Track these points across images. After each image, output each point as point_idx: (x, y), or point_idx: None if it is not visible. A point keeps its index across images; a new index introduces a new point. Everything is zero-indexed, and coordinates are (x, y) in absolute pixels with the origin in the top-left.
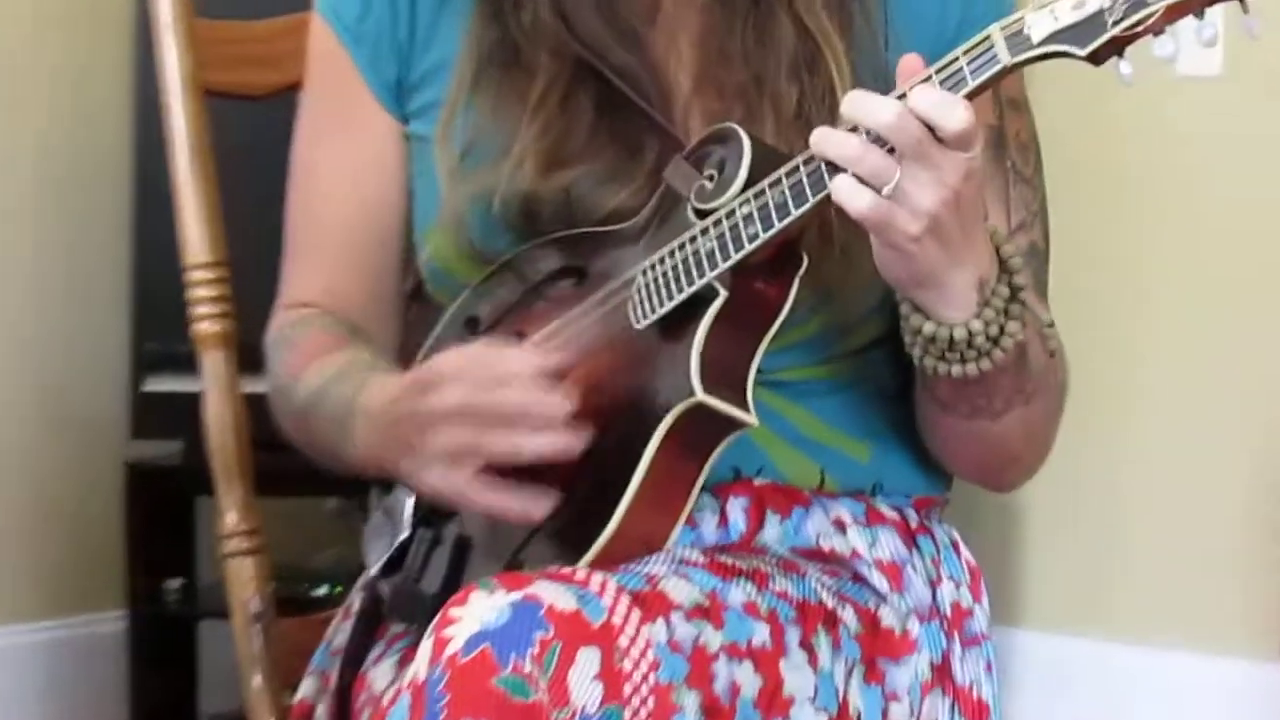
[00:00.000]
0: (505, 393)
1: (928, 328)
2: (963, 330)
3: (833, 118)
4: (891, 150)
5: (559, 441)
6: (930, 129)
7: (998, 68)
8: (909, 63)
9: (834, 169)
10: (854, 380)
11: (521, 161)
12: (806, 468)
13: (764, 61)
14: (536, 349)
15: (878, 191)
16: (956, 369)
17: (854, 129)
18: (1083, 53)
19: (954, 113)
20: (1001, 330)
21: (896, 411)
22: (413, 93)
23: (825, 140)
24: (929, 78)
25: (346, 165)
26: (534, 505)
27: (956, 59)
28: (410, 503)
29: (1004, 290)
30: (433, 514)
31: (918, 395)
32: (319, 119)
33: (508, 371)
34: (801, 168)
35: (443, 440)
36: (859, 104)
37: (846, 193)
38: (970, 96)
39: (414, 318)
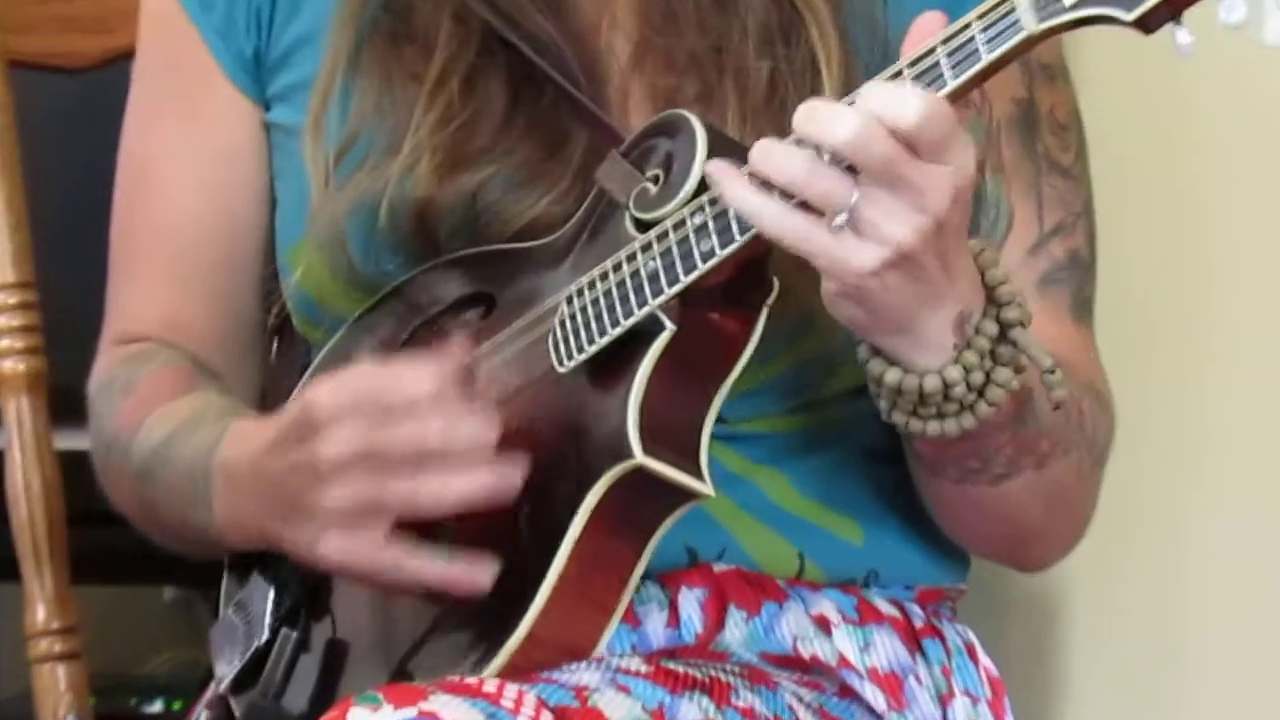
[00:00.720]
0: (409, 424)
1: (891, 376)
2: (936, 380)
3: (815, 95)
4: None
5: (488, 478)
6: (908, 143)
7: (1020, 36)
8: (925, 24)
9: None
10: (839, 435)
11: (415, 161)
12: (780, 550)
13: (726, 28)
14: (434, 361)
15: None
16: (933, 426)
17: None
18: (1129, 17)
19: (906, 107)
20: (987, 379)
21: (895, 477)
22: (275, 70)
23: (766, 157)
24: (930, 51)
25: (190, 161)
26: (478, 569)
27: (968, 25)
28: (271, 595)
29: (990, 328)
30: (299, 611)
31: (907, 454)
32: (154, 102)
33: (407, 396)
34: None
35: (337, 497)
36: (811, 117)
37: (770, 221)
38: (986, 75)
39: (277, 360)
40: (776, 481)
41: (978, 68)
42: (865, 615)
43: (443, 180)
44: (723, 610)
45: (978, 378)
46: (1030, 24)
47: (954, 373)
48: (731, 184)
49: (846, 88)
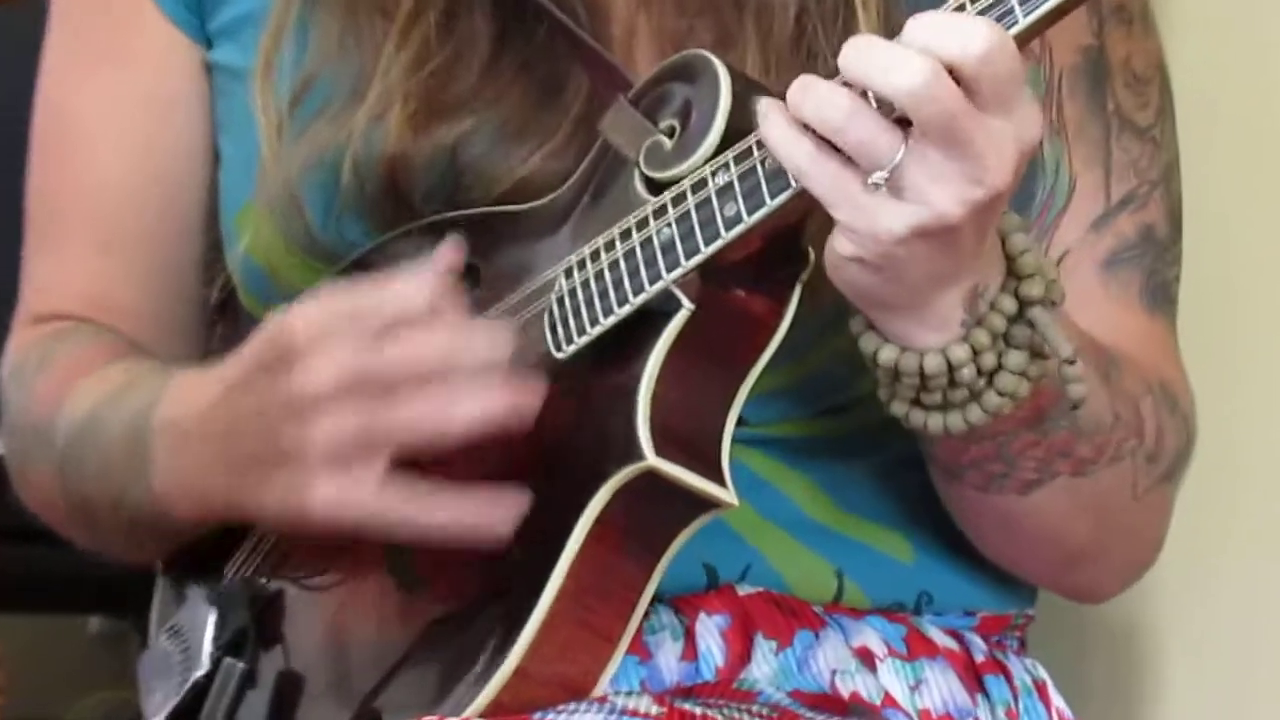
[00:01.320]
0: (408, 340)
1: (885, 354)
2: (938, 359)
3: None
4: (901, 122)
5: (500, 397)
6: (970, 88)
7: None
8: None
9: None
10: (881, 438)
11: (384, 109)
12: (815, 569)
13: None
14: (425, 275)
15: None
16: (935, 420)
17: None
18: None
19: (972, 41)
20: (999, 362)
21: None
22: (218, 2)
23: (805, 93)
24: None
25: (117, 112)
26: (499, 507)
27: None
28: (213, 618)
29: (1007, 304)
30: (245, 637)
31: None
32: (74, 43)
33: (399, 309)
34: None
35: (326, 432)
36: (865, 55)
37: (798, 161)
38: (1060, 14)
39: (220, 343)
40: (809, 489)
41: (1052, 3)
42: (916, 648)
43: (417, 132)
44: (748, 640)
45: (988, 360)
46: None
47: (959, 352)
48: (771, 118)
49: (886, 29)
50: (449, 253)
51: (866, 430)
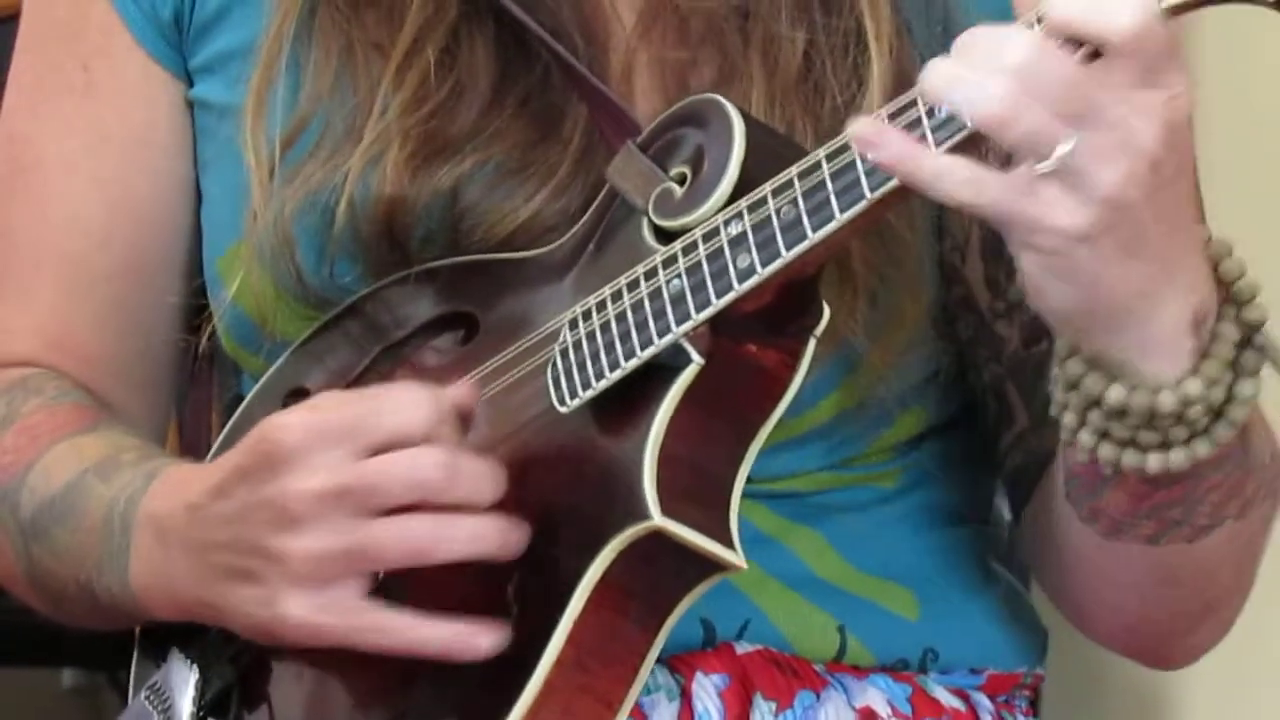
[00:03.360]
0: (401, 460)
1: (1114, 394)
2: (1172, 397)
3: (858, 77)
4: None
5: (490, 530)
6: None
7: None
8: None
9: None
10: (895, 493)
11: (381, 150)
12: (817, 625)
13: None
14: (424, 391)
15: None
16: (1154, 460)
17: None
18: None
19: (1114, 14)
20: (1229, 394)
21: (957, 539)
22: (201, 36)
23: (952, 80)
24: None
25: (84, 146)
26: (480, 631)
27: None
28: (194, 678)
29: (1230, 331)
30: (229, 698)
31: (1055, 513)
32: (42, 73)
33: (397, 426)
34: (825, 164)
35: (310, 543)
36: (975, 43)
37: (960, 178)
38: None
39: (196, 393)
40: (813, 543)
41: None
42: (921, 708)
43: (416, 174)
44: (747, 701)
45: (1218, 393)
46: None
47: (1194, 387)
48: (891, 141)
49: (897, 68)
50: (462, 392)
51: (876, 484)
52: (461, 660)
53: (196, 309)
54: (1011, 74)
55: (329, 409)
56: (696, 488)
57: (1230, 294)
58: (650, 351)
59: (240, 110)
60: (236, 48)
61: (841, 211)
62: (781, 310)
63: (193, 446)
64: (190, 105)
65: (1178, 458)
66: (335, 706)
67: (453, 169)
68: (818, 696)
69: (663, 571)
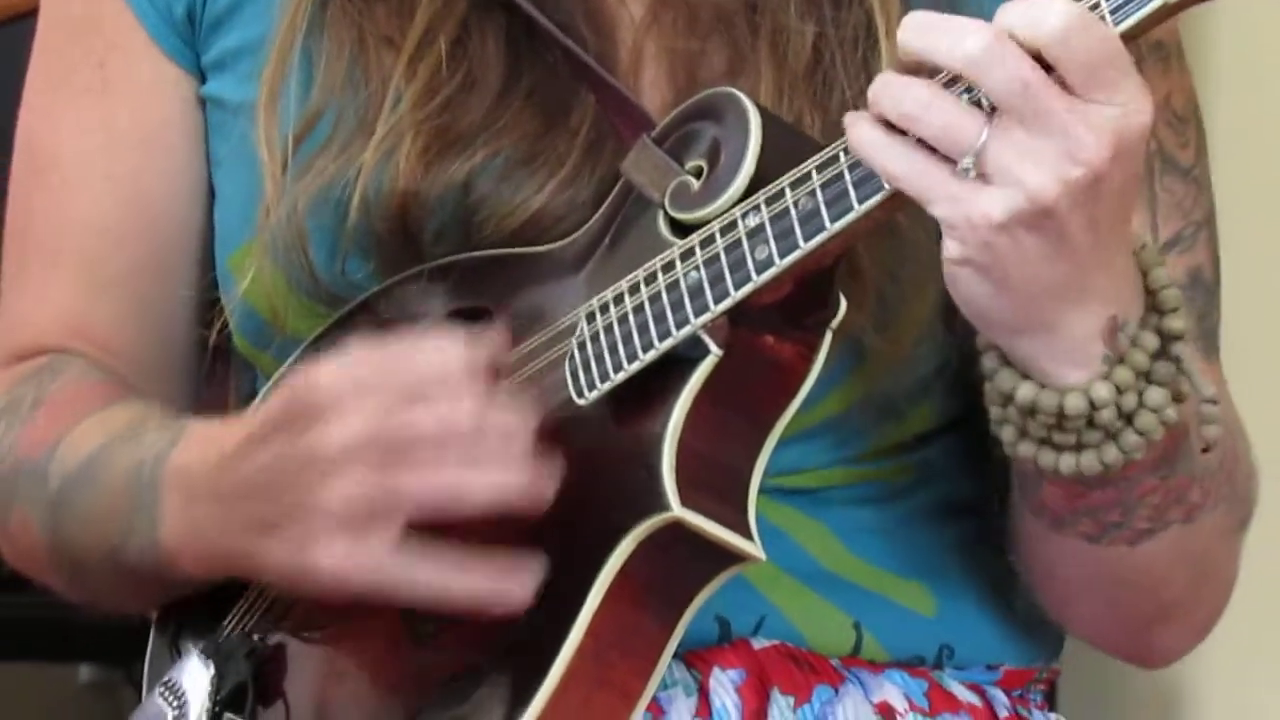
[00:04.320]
0: (433, 405)
1: (1024, 392)
2: (1080, 399)
3: (867, 70)
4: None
5: (521, 477)
6: (1055, 68)
7: (1153, 6)
8: None
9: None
10: (906, 488)
11: (394, 144)
12: (833, 621)
13: None
14: (456, 341)
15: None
16: (1068, 460)
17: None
18: None
19: (1048, 17)
20: (1140, 401)
21: (972, 532)
22: (213, 32)
23: (883, 88)
24: None
25: (102, 143)
26: (513, 576)
27: None
28: (211, 673)
29: (1149, 340)
30: (245, 693)
31: (1012, 504)
32: (59, 70)
33: (431, 373)
34: (843, 156)
35: (343, 492)
36: (929, 29)
37: (887, 160)
38: (1155, 20)
39: (209, 389)
40: (827, 539)
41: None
42: (938, 703)
43: (429, 168)
44: (764, 696)
45: (1130, 401)
46: None
47: (1103, 390)
48: (859, 125)
49: None
50: (493, 343)
51: (890, 478)
52: (493, 613)
53: (211, 305)
54: (964, 64)
55: (361, 361)
56: (715, 479)
57: (1155, 302)
58: (669, 343)
59: (252, 106)
60: (248, 44)
61: (860, 202)
62: (799, 303)
63: None
64: (202, 102)
65: (1089, 461)
66: (352, 700)
67: (465, 162)
68: (836, 692)
69: (681, 563)
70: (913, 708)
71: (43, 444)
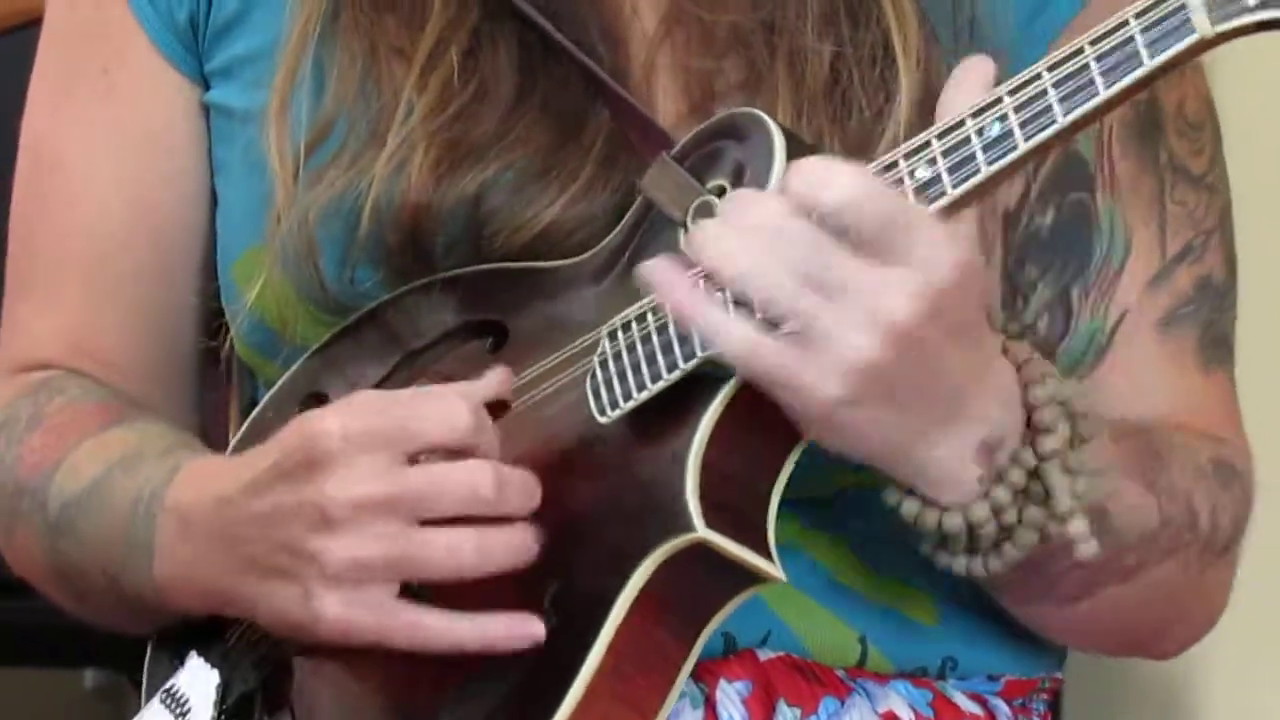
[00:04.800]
0: (445, 472)
1: (907, 508)
2: (957, 519)
3: (885, 89)
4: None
5: (526, 546)
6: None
7: (1191, 39)
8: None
9: None
10: None
11: (406, 156)
12: (839, 634)
13: (782, 1)
14: (465, 397)
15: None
16: (959, 563)
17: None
18: None
19: (829, 189)
20: (1019, 518)
21: None
22: (217, 39)
23: (703, 243)
24: (1077, 52)
25: (104, 150)
26: (522, 625)
27: (1125, 24)
28: (214, 680)
29: (1028, 458)
30: (251, 703)
31: None
32: (62, 77)
33: (439, 433)
34: None
35: (349, 547)
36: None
37: (736, 335)
38: (1142, 86)
39: (212, 399)
40: (833, 551)
41: (1137, 75)
42: (943, 713)
43: (441, 180)
44: (770, 708)
45: (1010, 517)
46: (1203, 25)
47: (980, 511)
48: (678, 285)
49: (925, 79)
50: (497, 379)
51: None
52: (504, 653)
53: (215, 312)
54: (752, 234)
55: (369, 413)
56: (737, 499)
57: (1031, 421)
58: (694, 363)
59: (258, 114)
60: (254, 52)
61: None
62: None
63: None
64: (205, 110)
65: (976, 566)
66: (364, 714)
67: (476, 175)
68: (842, 703)
69: (701, 582)
70: (918, 718)
71: (41, 466)
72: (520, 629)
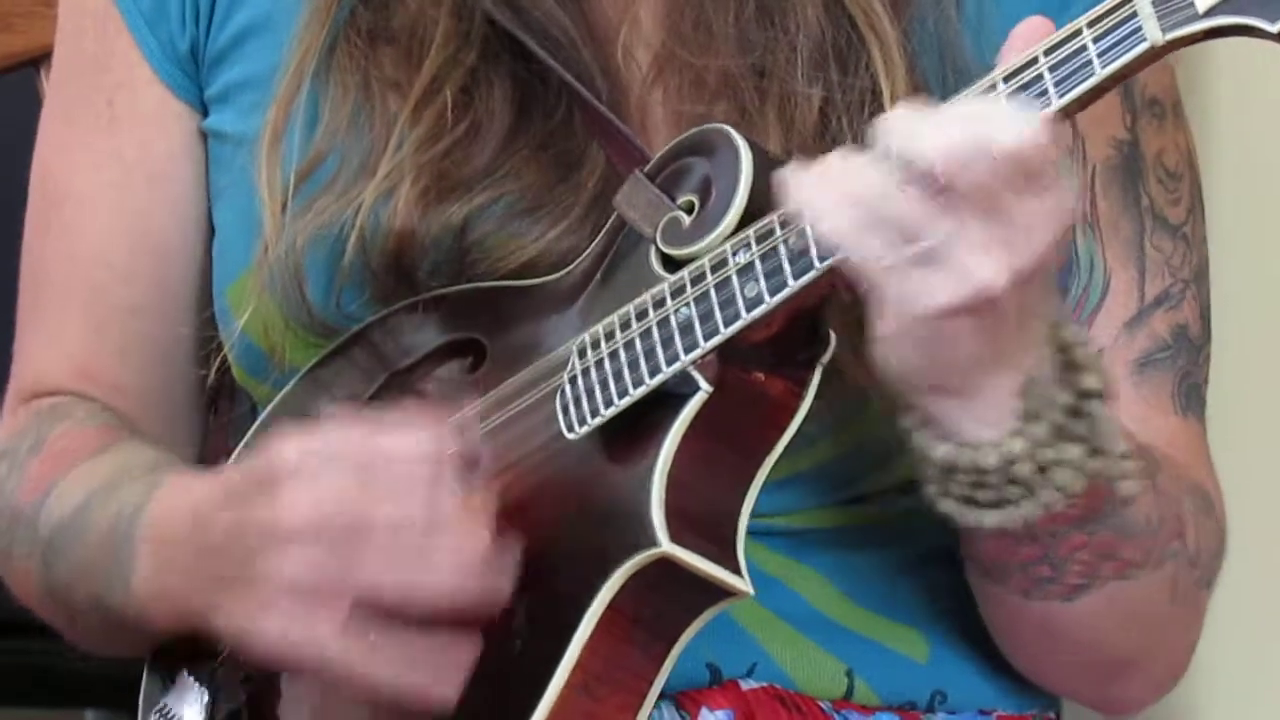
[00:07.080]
0: (395, 495)
1: (942, 451)
2: (994, 454)
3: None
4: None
5: (471, 583)
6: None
7: (1141, 48)
8: (1029, 29)
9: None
10: (896, 532)
11: (393, 185)
12: (825, 667)
13: (771, 46)
14: (429, 428)
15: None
16: (991, 516)
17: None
18: (1274, 28)
19: (1009, 128)
20: (1056, 455)
21: (964, 582)
22: (215, 66)
23: (845, 166)
24: (1031, 62)
25: (107, 178)
26: (441, 681)
27: (1078, 33)
28: (204, 700)
29: (1063, 397)
30: (238, 717)
31: (962, 560)
32: (68, 107)
33: (396, 458)
34: None
35: (293, 567)
36: (897, 127)
37: (840, 229)
38: (1096, 95)
39: (214, 424)
40: (820, 584)
41: (1088, 84)
42: None
43: (427, 210)
44: None
45: (1046, 455)
46: (1154, 34)
47: (1016, 446)
48: (801, 184)
49: None
50: (466, 440)
51: (883, 523)
52: (430, 706)
53: (205, 340)
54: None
55: (329, 436)
56: (704, 515)
57: (1068, 360)
58: (659, 379)
59: (253, 139)
60: (251, 78)
61: None
62: (789, 340)
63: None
64: (203, 136)
65: (1010, 516)
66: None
67: (463, 205)
68: None
69: (669, 598)
70: None
71: (35, 492)
72: (432, 689)
